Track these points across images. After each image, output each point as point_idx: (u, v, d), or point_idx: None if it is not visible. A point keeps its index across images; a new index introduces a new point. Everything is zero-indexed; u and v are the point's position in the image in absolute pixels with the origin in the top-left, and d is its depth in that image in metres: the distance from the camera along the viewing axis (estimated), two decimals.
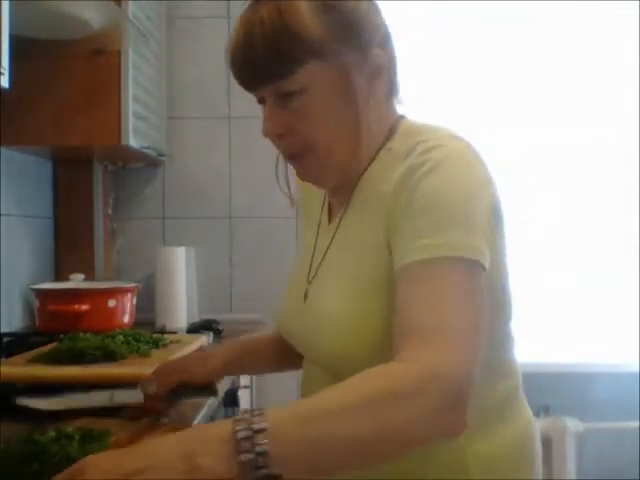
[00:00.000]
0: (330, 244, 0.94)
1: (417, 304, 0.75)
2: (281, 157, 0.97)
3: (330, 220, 0.99)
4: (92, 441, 0.83)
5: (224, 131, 2.36)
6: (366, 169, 0.92)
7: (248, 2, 0.87)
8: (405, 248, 0.79)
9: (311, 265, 0.97)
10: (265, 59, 0.83)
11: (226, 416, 1.64)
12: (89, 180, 2.23)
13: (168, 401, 1.05)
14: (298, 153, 0.89)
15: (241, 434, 0.62)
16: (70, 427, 0.88)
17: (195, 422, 1.14)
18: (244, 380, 1.95)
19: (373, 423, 0.66)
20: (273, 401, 2.37)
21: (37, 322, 1.85)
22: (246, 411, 0.65)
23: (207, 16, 2.35)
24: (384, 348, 0.77)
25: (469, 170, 0.82)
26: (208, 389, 1.09)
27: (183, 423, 1.12)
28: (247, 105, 2.39)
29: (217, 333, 1.92)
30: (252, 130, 2.35)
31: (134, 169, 2.35)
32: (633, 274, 2.38)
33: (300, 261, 1.04)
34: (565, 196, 2.39)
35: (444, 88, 2.31)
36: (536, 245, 2.33)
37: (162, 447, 0.64)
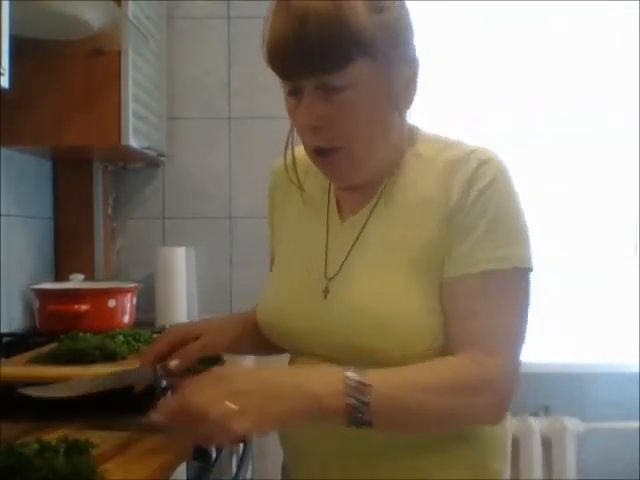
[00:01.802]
0: (356, 241, 0.93)
1: (487, 313, 0.85)
2: (301, 148, 0.96)
3: (342, 217, 0.98)
4: (77, 453, 0.80)
5: (224, 131, 2.36)
6: (394, 171, 0.93)
7: None
8: (465, 259, 0.86)
9: (327, 261, 0.95)
10: (319, 51, 0.82)
11: None
12: (89, 180, 2.23)
13: (179, 376, 1.00)
14: (329, 148, 0.89)
15: (351, 382, 0.75)
16: (53, 438, 0.84)
17: None
18: None
19: (450, 403, 0.81)
20: None
21: (37, 322, 1.85)
22: (350, 369, 0.76)
23: (207, 16, 2.35)
24: (419, 346, 0.86)
25: (514, 185, 0.90)
26: (216, 360, 1.04)
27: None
28: (247, 106, 2.39)
29: None
30: (252, 130, 2.37)
31: (134, 169, 2.35)
32: (633, 274, 2.38)
33: (295, 256, 1.01)
34: (565, 196, 2.39)
35: (439, 90, 2.29)
36: (536, 245, 2.32)
37: (272, 375, 0.77)
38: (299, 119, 0.88)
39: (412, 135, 0.95)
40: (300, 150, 1.02)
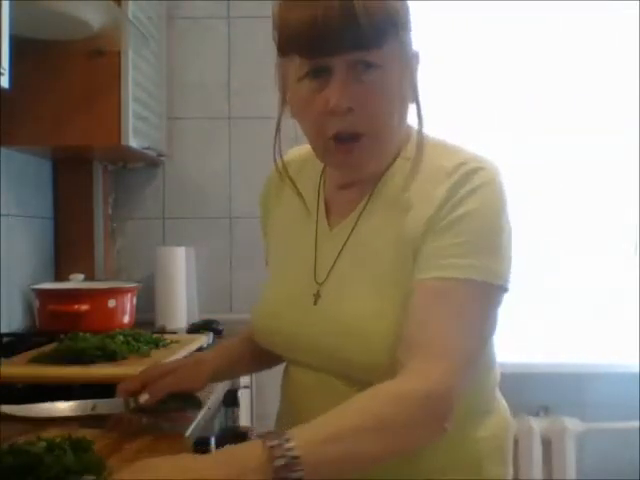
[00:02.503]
0: (345, 245, 0.91)
1: (433, 320, 0.80)
2: (294, 150, 0.96)
3: (329, 220, 0.96)
4: (82, 451, 0.80)
5: (224, 131, 2.36)
6: (383, 173, 0.91)
7: None
8: (430, 262, 0.83)
9: (316, 265, 0.93)
10: (364, 24, 0.80)
11: (226, 416, 1.64)
12: (89, 180, 2.23)
13: (154, 411, 1.00)
14: (351, 135, 0.85)
15: (278, 462, 0.66)
16: (54, 437, 0.84)
17: (194, 423, 1.14)
18: (244, 380, 1.95)
19: (385, 444, 0.74)
20: (273, 400, 2.36)
21: (37, 322, 1.85)
22: (272, 434, 0.69)
23: (207, 16, 2.35)
24: None
25: (504, 198, 0.86)
26: (193, 399, 1.03)
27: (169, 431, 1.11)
28: (247, 105, 2.39)
29: (217, 333, 1.92)
30: (252, 130, 2.37)
31: (134, 169, 2.35)
32: (633, 274, 2.38)
33: (288, 260, 1.00)
34: (565, 196, 2.39)
35: (435, 91, 2.29)
36: (536, 245, 2.33)
37: (196, 462, 0.69)
38: (323, 102, 0.83)
39: (407, 135, 0.93)
40: (292, 152, 1.03)
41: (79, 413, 0.95)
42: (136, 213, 2.37)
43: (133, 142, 1.89)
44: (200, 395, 1.07)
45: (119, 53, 1.83)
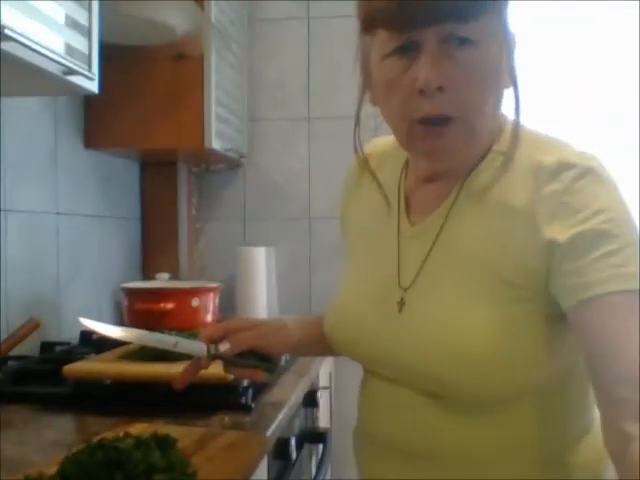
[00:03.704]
0: (433, 246, 0.82)
1: (625, 341, 0.68)
2: (375, 141, 0.89)
3: (409, 217, 0.87)
4: (167, 448, 0.81)
5: (303, 132, 2.37)
6: (474, 166, 0.82)
7: None
8: (587, 277, 0.71)
9: (399, 268, 0.85)
10: None
11: (306, 417, 1.64)
12: (174, 182, 2.29)
13: (231, 362, 0.95)
14: (440, 118, 0.76)
15: None
16: (140, 433, 0.85)
17: (276, 421, 1.15)
18: (323, 381, 1.96)
19: None
20: (352, 402, 2.35)
21: (125, 319, 1.91)
22: None
23: (287, 17, 2.37)
24: (499, 383, 0.76)
25: (621, 195, 0.77)
26: (270, 362, 0.97)
27: (251, 431, 1.12)
28: (326, 106, 2.38)
29: None
30: (331, 130, 2.37)
31: (216, 171, 2.40)
32: None
33: (367, 261, 0.91)
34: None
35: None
36: None
37: None
38: (410, 80, 0.75)
39: (501, 125, 0.83)
40: (373, 143, 0.97)
41: (163, 347, 0.94)
42: (218, 214, 2.41)
43: (216, 144, 1.92)
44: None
45: (202, 57, 1.86)
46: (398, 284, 0.84)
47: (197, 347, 0.93)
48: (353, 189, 0.99)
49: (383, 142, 0.96)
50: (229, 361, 0.94)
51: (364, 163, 0.91)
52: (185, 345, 0.94)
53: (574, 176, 0.74)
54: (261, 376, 0.96)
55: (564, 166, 0.75)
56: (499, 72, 0.77)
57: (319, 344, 0.99)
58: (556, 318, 0.75)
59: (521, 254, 0.75)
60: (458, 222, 0.81)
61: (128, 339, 0.97)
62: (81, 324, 0.98)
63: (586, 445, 0.82)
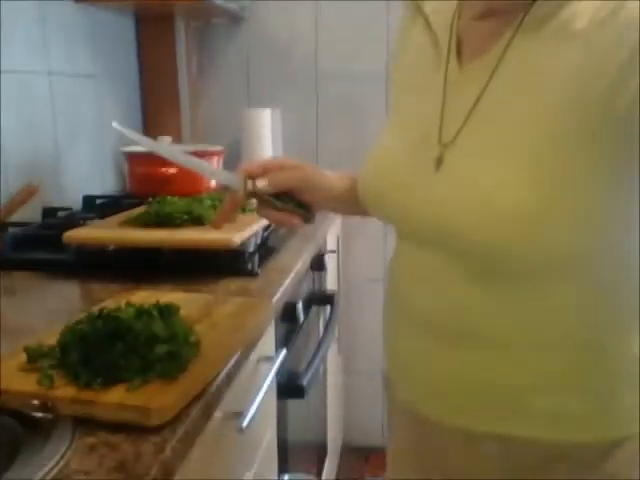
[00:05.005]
0: (482, 93, 0.70)
1: None
2: None
3: (461, 63, 0.75)
4: (169, 316, 0.80)
5: None
6: None
7: None
8: None
9: (442, 121, 0.74)
10: None
11: (313, 280, 1.64)
12: (171, 38, 2.16)
13: (267, 202, 0.87)
14: None
15: None
16: (142, 302, 0.83)
17: (283, 287, 1.14)
18: (330, 244, 1.95)
19: None
20: (359, 265, 2.38)
21: (128, 185, 1.87)
22: None
23: None
24: (551, 242, 0.66)
25: None
26: (308, 209, 0.90)
27: (257, 297, 1.11)
28: None
29: None
30: None
31: (217, 26, 2.26)
32: None
33: (412, 113, 0.81)
34: None
35: None
36: None
37: None
38: None
39: None
40: None
41: (199, 171, 0.88)
42: (220, 73, 2.30)
43: None
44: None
45: None
46: (439, 139, 0.74)
47: (234, 179, 0.86)
48: (404, 37, 0.88)
49: None
50: (265, 201, 0.87)
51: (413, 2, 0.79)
52: (222, 175, 0.88)
53: None
54: (297, 222, 0.89)
55: None
56: None
57: (357, 201, 0.90)
58: (618, 171, 0.65)
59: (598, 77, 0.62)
60: (518, 61, 0.68)
61: (166, 155, 0.88)
62: (116, 128, 0.87)
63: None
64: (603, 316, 0.71)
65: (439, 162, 0.73)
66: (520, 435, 0.73)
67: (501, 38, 0.70)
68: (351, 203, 0.93)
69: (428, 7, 0.82)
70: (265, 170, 0.87)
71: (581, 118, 0.64)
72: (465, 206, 0.69)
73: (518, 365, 0.72)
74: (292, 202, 0.87)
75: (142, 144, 0.88)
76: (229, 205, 0.87)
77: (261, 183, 0.85)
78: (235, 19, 2.21)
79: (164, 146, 0.87)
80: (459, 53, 0.77)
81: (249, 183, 0.85)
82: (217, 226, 0.89)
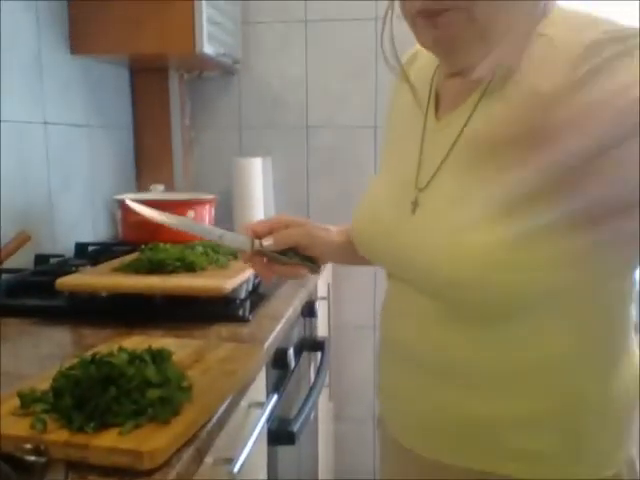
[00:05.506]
0: (454, 145, 0.75)
1: None
2: (389, 19, 0.79)
3: (438, 115, 0.80)
4: (162, 361, 0.81)
5: (300, 35, 2.27)
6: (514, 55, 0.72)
7: None
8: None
9: (419, 168, 0.79)
10: None
11: (304, 326, 1.65)
12: (165, 89, 2.21)
13: (274, 258, 0.92)
14: (438, 10, 0.70)
15: None
16: (135, 347, 0.85)
17: (274, 333, 1.15)
18: (321, 291, 1.96)
19: None
20: (349, 311, 2.39)
21: (120, 232, 1.89)
22: None
23: None
24: (509, 288, 0.68)
25: None
26: (313, 261, 0.95)
27: (248, 343, 1.12)
28: (324, 7, 2.27)
29: None
30: (330, 34, 2.27)
31: (209, 78, 2.31)
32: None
33: (396, 161, 0.87)
34: None
35: None
36: None
37: None
38: None
39: (545, 10, 0.73)
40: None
41: (208, 237, 0.92)
42: (213, 123, 2.34)
43: (208, 49, 1.84)
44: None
45: None
46: (415, 184, 0.79)
47: (242, 241, 0.91)
48: (395, 95, 0.94)
49: None
50: (272, 257, 0.92)
51: (394, 57, 0.84)
52: (230, 238, 0.92)
53: (614, 54, 0.65)
54: (304, 272, 0.94)
55: (601, 44, 0.66)
56: None
57: (357, 252, 0.95)
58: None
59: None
60: (483, 115, 0.73)
61: (174, 225, 0.93)
62: (129, 205, 0.95)
63: (624, 366, 0.76)
64: (582, 358, 0.72)
65: (415, 206, 0.78)
66: (498, 472, 0.74)
67: (469, 96, 0.75)
68: (352, 254, 0.98)
69: (417, 63, 0.88)
70: (271, 229, 0.92)
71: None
72: (434, 246, 0.72)
73: (494, 401, 0.73)
74: (297, 257, 0.93)
75: (155, 218, 0.92)
76: (256, 268, 0.93)
77: (267, 242, 0.91)
78: (227, 71, 2.27)
79: (173, 217, 0.93)
80: (437, 106, 0.82)
81: (256, 243, 0.90)
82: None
